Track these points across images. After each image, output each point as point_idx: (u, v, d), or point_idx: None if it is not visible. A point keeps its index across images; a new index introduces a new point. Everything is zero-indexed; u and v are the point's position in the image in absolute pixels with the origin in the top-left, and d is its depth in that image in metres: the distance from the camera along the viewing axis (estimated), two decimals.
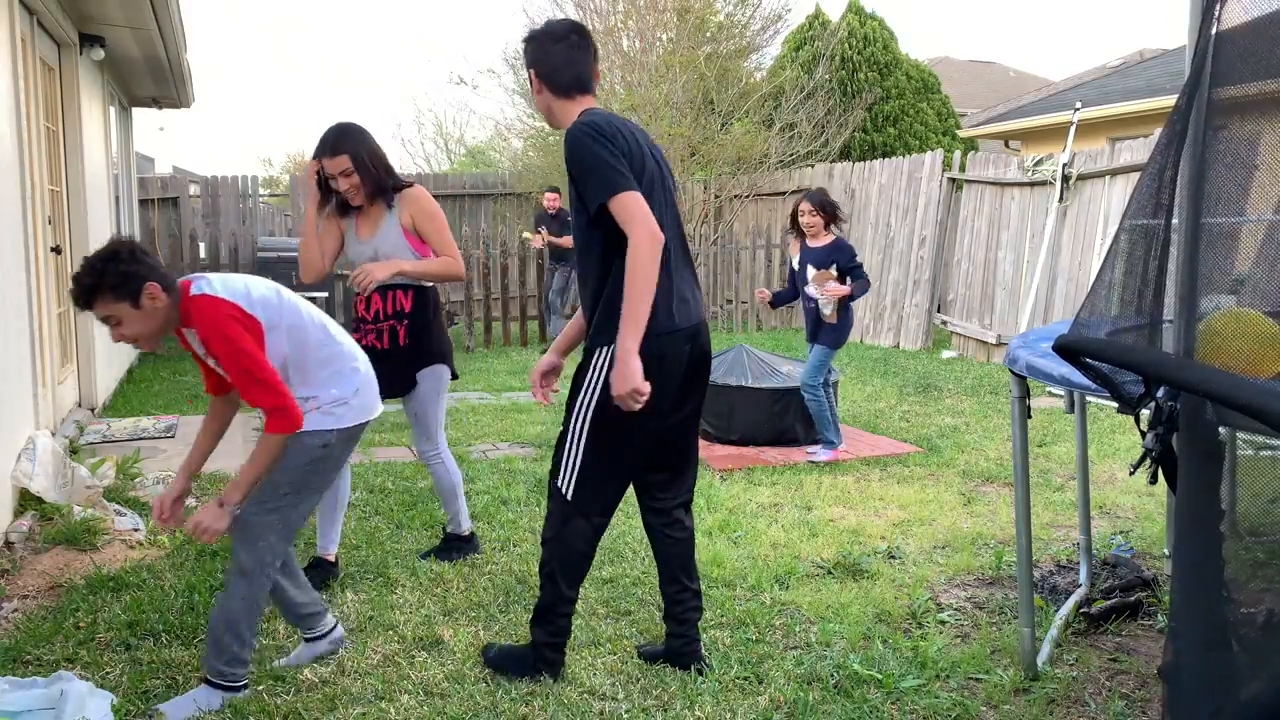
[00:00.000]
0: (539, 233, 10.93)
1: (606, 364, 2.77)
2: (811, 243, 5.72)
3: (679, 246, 2.90)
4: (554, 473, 2.92)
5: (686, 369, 2.86)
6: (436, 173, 21.07)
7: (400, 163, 27.57)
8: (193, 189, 13.36)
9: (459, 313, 11.17)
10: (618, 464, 2.87)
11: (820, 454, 5.77)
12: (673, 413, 2.89)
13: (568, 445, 2.86)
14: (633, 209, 2.65)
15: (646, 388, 2.64)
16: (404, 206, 3.76)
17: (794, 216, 5.71)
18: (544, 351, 10.55)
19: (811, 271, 5.67)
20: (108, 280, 2.58)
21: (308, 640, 3.14)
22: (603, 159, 2.67)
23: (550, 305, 11.13)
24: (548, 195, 11.12)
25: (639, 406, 2.65)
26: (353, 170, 3.64)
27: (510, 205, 14.68)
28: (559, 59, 2.88)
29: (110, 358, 7.80)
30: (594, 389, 2.80)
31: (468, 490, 5.06)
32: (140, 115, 11.84)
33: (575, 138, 2.72)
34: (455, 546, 4.10)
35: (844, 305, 5.74)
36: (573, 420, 2.84)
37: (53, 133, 6.29)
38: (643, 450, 2.91)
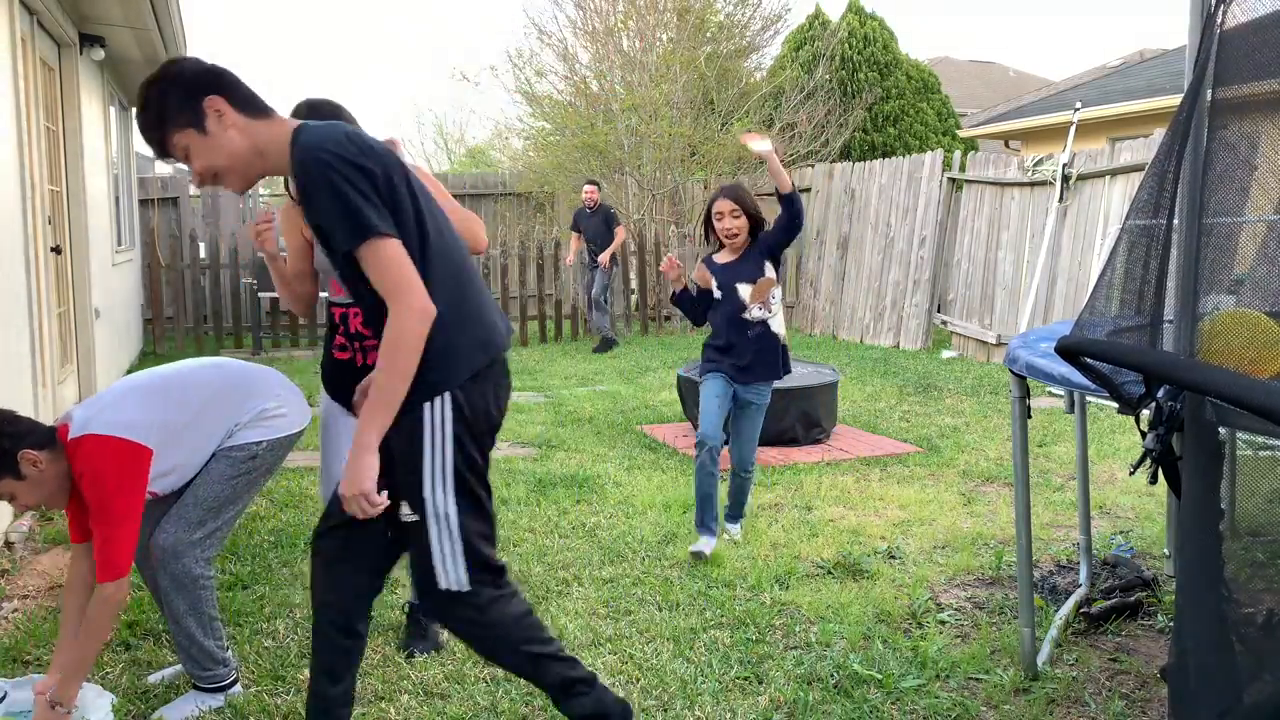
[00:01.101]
0: (575, 235, 10.70)
1: (447, 416, 2.18)
2: (730, 256, 4.18)
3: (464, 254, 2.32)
4: (427, 585, 2.24)
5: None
6: (436, 173, 21.08)
7: None
8: (193, 189, 13.35)
9: None
10: (487, 511, 2.32)
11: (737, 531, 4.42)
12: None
13: (436, 536, 2.21)
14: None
15: (379, 499, 2.13)
16: None
17: (708, 221, 4.23)
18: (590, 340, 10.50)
19: (747, 290, 4.11)
20: None
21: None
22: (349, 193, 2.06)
23: (597, 304, 10.66)
24: (587, 189, 10.59)
25: (365, 515, 2.14)
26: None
27: (510, 205, 14.67)
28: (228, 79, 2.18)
29: (110, 358, 7.81)
30: (442, 453, 2.19)
31: None
32: None
33: (307, 163, 2.07)
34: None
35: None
36: (428, 505, 2.20)
37: (53, 133, 6.29)
38: None
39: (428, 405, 2.17)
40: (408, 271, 2.08)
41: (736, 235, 4.11)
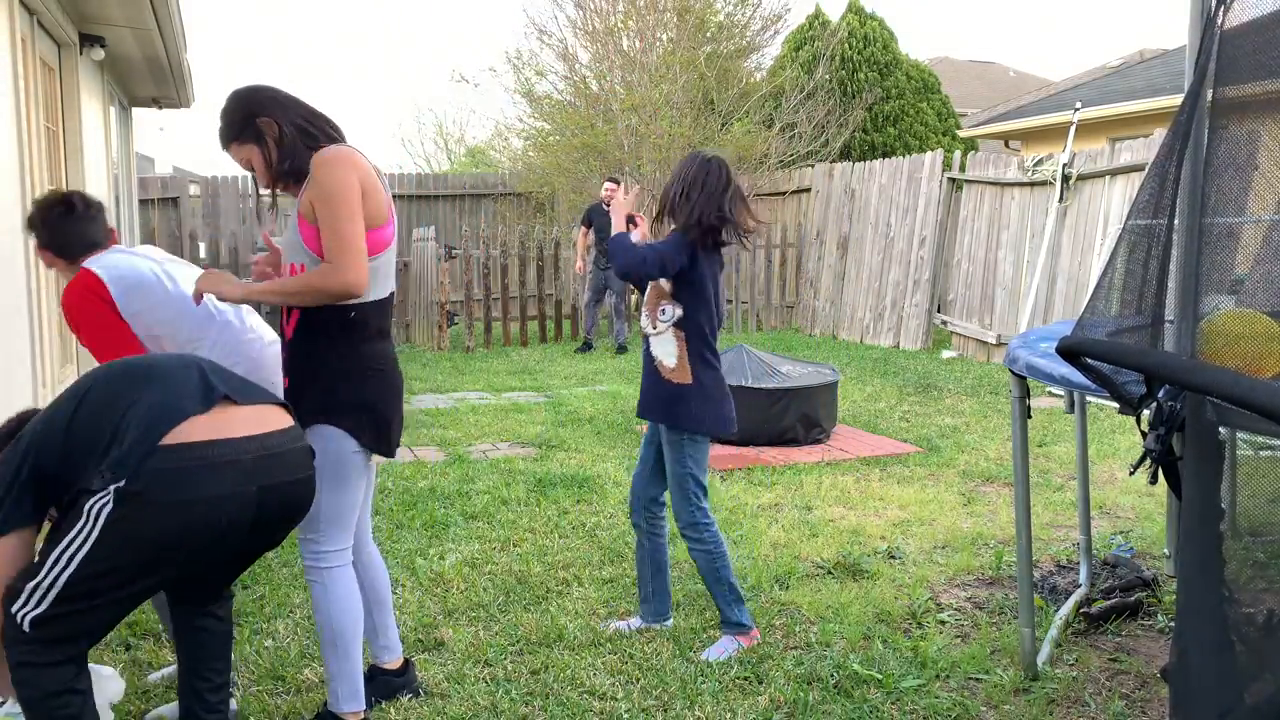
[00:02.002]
0: (583, 231, 10.44)
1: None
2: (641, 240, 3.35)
3: None
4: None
5: None
6: (436, 173, 21.07)
7: (400, 163, 27.56)
8: (193, 189, 13.36)
9: (459, 313, 11.16)
10: None
11: (722, 650, 3.22)
12: None
13: None
14: None
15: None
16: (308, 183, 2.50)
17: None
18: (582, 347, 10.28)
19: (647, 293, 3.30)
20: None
21: None
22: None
23: (617, 310, 10.48)
24: (607, 186, 10.04)
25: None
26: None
27: (510, 205, 14.67)
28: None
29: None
30: None
31: (467, 490, 5.06)
32: (140, 115, 11.83)
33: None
34: (383, 683, 2.88)
35: (693, 335, 3.18)
36: None
37: (53, 133, 6.29)
38: None
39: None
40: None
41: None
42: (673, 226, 3.20)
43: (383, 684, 2.86)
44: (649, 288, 3.24)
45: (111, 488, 2.07)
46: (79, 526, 2.09)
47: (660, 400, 3.20)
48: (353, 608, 2.59)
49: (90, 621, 2.15)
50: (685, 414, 3.15)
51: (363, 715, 2.62)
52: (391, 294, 2.65)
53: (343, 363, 2.53)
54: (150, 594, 2.21)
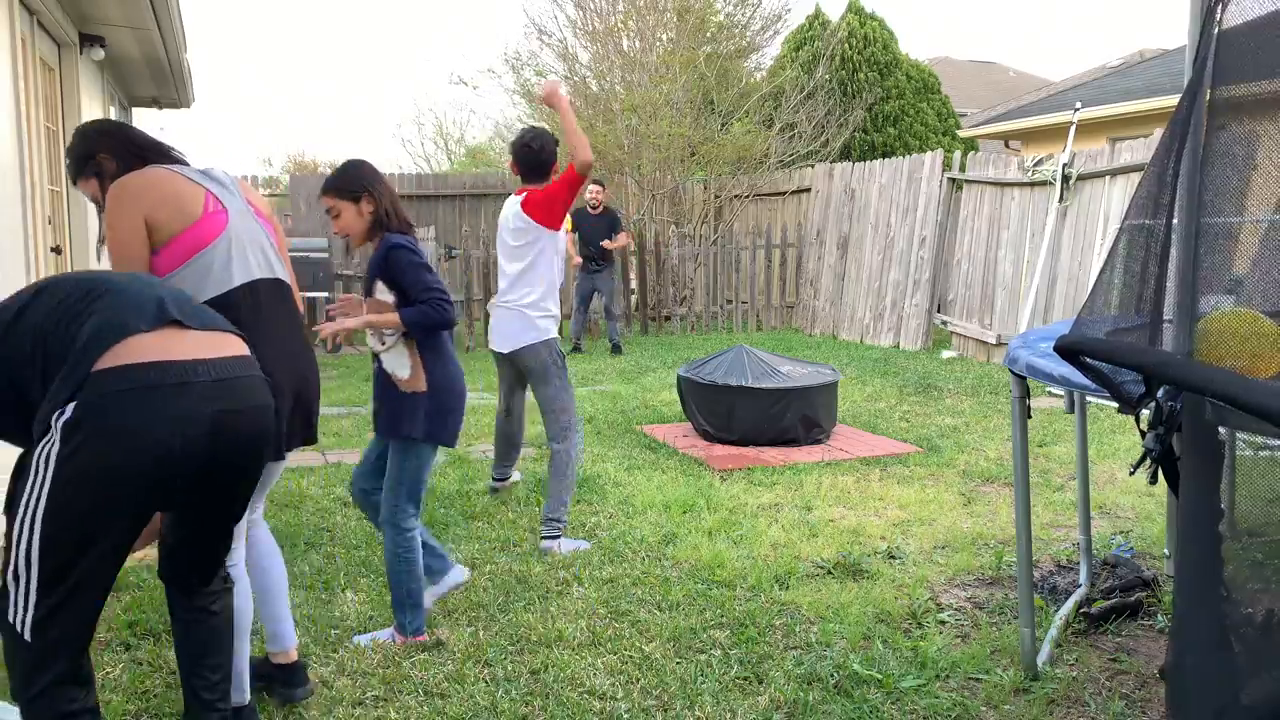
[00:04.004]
0: (569, 236, 10.05)
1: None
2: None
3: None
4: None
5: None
6: (436, 173, 21.07)
7: (400, 162, 27.59)
8: None
9: (459, 313, 11.17)
10: None
11: (373, 635, 3.31)
12: None
13: None
14: None
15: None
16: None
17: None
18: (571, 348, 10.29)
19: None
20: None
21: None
22: None
23: (609, 312, 10.36)
24: (592, 189, 9.88)
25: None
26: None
27: None
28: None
29: None
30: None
31: (467, 490, 5.07)
32: (140, 115, 11.84)
33: None
34: (270, 675, 2.90)
35: (428, 347, 3.21)
36: None
37: (53, 133, 6.30)
38: None
39: None
40: None
41: (341, 232, 3.22)
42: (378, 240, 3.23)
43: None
44: (366, 304, 3.24)
45: (56, 423, 2.00)
46: (30, 482, 2.02)
47: (394, 413, 3.20)
48: (273, 564, 2.92)
49: (79, 604, 2.07)
50: (413, 422, 3.17)
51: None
52: (253, 283, 2.68)
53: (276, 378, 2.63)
54: (125, 549, 2.13)
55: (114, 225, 2.54)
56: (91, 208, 7.06)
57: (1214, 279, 1.81)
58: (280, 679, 2.88)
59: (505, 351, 4.40)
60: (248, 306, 2.65)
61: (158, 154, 2.76)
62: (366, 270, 3.23)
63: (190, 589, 2.44)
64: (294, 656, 2.90)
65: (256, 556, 2.87)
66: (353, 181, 3.18)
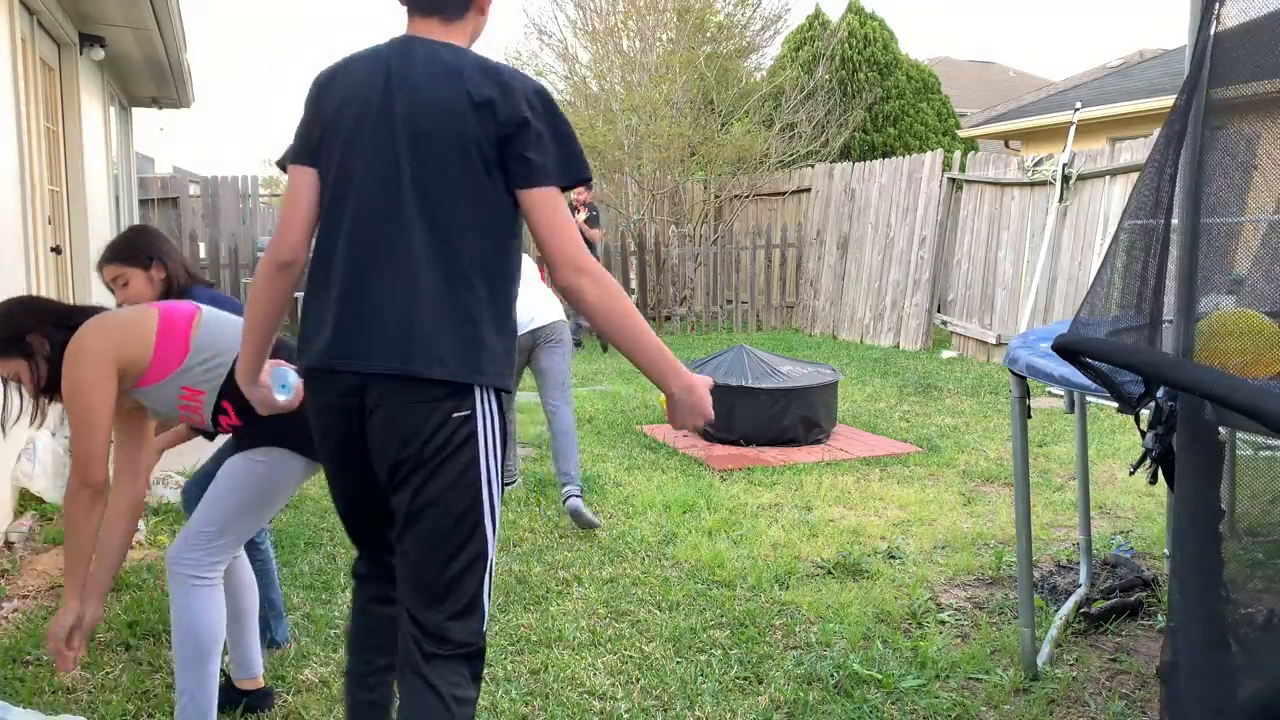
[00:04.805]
0: None
1: (491, 410, 1.96)
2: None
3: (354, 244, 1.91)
4: (464, 618, 2.09)
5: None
6: None
7: None
8: (193, 189, 13.36)
9: None
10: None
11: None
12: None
13: (474, 563, 2.02)
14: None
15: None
16: None
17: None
18: None
19: None
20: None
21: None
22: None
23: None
24: (577, 190, 10.23)
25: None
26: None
27: None
28: None
29: None
30: (491, 450, 1.97)
31: None
32: (140, 115, 11.85)
33: None
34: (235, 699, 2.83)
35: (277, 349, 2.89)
36: (482, 519, 1.99)
37: (53, 133, 6.30)
38: None
39: (480, 391, 1.93)
40: None
41: (127, 300, 3.04)
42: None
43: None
44: None
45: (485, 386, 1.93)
46: (483, 431, 1.94)
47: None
48: (248, 576, 2.87)
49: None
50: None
51: None
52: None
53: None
54: None
55: (69, 401, 2.41)
56: (92, 208, 7.05)
57: (1214, 279, 1.81)
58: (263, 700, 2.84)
59: (544, 323, 4.75)
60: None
61: (81, 313, 2.60)
62: None
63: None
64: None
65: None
66: (140, 250, 3.01)
